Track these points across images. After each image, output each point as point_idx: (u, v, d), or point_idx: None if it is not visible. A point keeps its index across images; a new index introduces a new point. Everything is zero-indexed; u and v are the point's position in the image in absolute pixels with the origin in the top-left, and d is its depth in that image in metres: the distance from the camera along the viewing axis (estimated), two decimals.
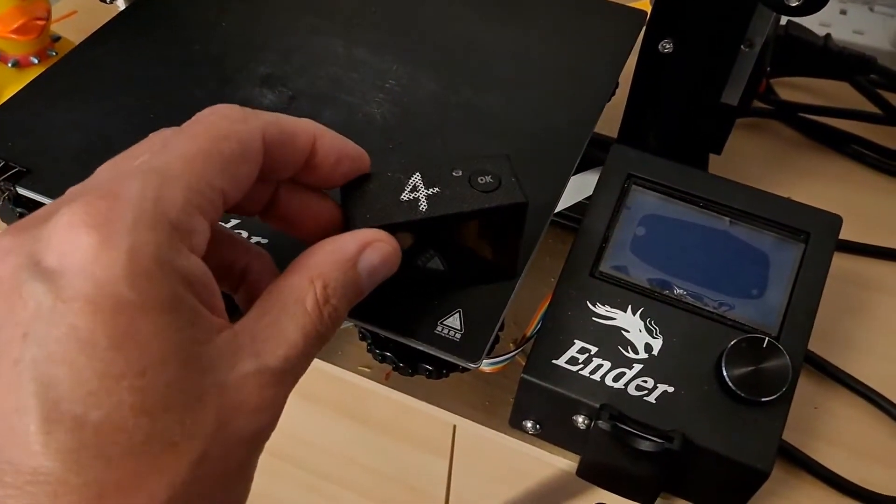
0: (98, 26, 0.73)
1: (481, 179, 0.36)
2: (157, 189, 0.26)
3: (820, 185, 0.64)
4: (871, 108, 0.67)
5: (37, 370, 0.23)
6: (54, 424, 0.22)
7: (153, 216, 0.25)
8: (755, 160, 0.66)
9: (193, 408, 0.24)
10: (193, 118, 0.31)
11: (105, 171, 0.30)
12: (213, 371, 0.25)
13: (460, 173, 0.37)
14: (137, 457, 0.23)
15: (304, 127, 0.33)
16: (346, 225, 0.36)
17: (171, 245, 0.25)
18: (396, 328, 0.38)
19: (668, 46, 0.48)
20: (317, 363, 0.52)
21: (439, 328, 0.38)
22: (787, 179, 0.65)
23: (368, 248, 0.32)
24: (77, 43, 0.67)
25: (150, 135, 0.31)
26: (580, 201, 0.55)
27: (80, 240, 0.24)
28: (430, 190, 0.36)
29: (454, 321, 0.38)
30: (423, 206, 0.36)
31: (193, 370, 0.24)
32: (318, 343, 0.29)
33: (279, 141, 0.31)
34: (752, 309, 0.45)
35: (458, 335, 0.38)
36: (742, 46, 0.48)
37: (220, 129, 0.30)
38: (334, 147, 0.34)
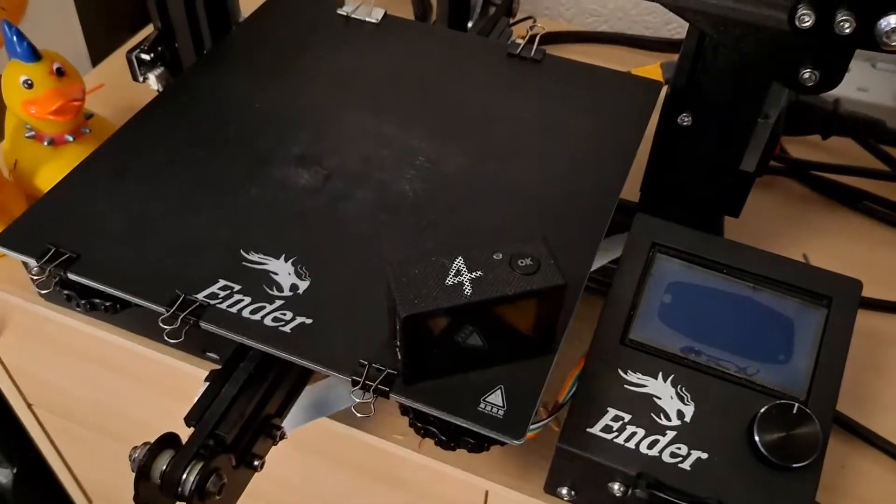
0: (126, 99, 0.76)
1: (521, 262, 0.38)
2: None
3: (834, 241, 0.66)
4: (878, 164, 0.69)
5: None
6: None
7: None
8: (769, 218, 0.68)
9: None
10: None
11: None
12: None
13: (501, 256, 0.38)
14: None
15: None
16: (394, 307, 0.37)
17: None
18: (441, 405, 0.39)
19: (686, 119, 0.50)
20: (351, 431, 0.53)
21: (482, 405, 0.39)
22: (801, 236, 0.67)
23: None
24: (109, 118, 0.70)
25: None
26: (605, 265, 0.57)
27: None
28: (474, 273, 0.38)
29: (496, 398, 0.39)
30: (468, 289, 0.37)
31: None
32: None
33: None
34: (780, 374, 0.47)
35: (500, 412, 0.39)
36: (758, 119, 0.50)
37: None
38: None
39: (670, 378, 0.47)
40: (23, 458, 0.93)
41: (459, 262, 0.38)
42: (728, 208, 0.56)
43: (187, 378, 0.57)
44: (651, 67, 0.72)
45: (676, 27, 0.88)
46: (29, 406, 0.80)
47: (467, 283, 0.37)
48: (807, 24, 0.39)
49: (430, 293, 0.37)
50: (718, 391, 0.46)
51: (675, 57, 0.78)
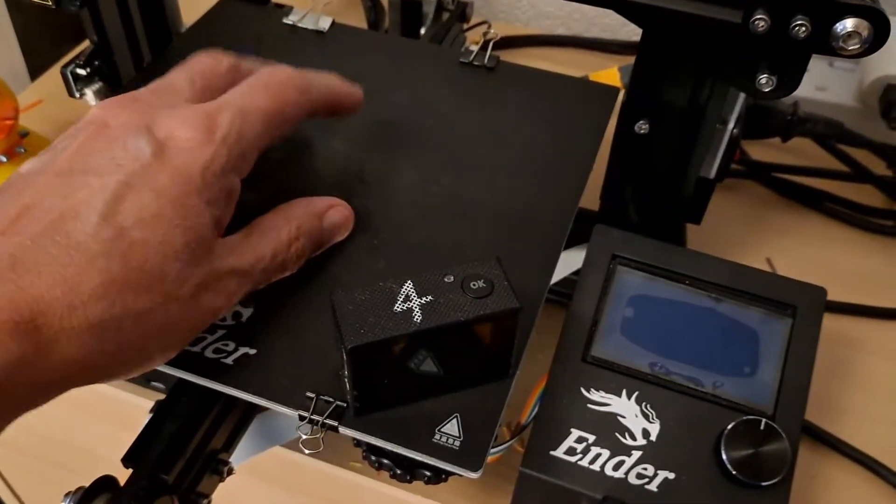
0: (65, 115, 0.72)
1: (474, 285, 0.36)
2: (240, 127, 0.38)
3: (798, 244, 0.65)
4: (838, 164, 0.69)
5: (117, 189, 0.34)
6: (107, 222, 0.33)
7: (234, 143, 0.38)
8: (732, 222, 0.67)
9: (192, 266, 0.35)
10: (266, 71, 0.43)
11: (208, 91, 0.42)
12: (210, 255, 0.36)
13: (452, 279, 0.36)
14: (146, 273, 0.33)
15: (349, 93, 0.46)
16: (338, 340, 0.35)
17: (234, 166, 0.38)
18: (394, 437, 0.37)
19: (644, 127, 0.49)
20: (307, 460, 0.51)
21: (437, 436, 0.37)
22: (764, 239, 0.66)
23: (332, 209, 0.44)
24: (47, 136, 0.66)
25: (216, 60, 0.44)
26: (567, 276, 0.55)
27: (188, 132, 0.36)
28: (423, 299, 0.36)
29: (452, 428, 0.38)
30: (418, 316, 0.35)
31: (203, 247, 0.36)
32: (280, 268, 0.40)
33: (327, 105, 0.45)
34: (746, 387, 0.45)
35: (457, 442, 0.37)
36: (717, 124, 0.49)
37: (289, 97, 0.41)
38: (355, 98, 0.47)
39: (634, 395, 0.45)
40: None
41: (409, 287, 0.36)
42: (689, 215, 0.55)
43: (132, 408, 0.54)
44: (609, 71, 0.71)
45: (634, 29, 0.87)
46: None
47: (417, 310, 0.35)
48: (762, 28, 0.38)
49: (378, 322, 0.35)
50: (684, 407, 0.45)
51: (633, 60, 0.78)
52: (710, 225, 0.63)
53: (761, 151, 0.70)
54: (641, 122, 0.49)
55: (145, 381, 0.51)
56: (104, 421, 0.62)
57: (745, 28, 0.38)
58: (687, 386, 0.45)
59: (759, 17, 0.38)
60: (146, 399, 0.53)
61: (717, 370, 0.46)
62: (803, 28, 0.37)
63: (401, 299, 0.36)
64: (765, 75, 0.41)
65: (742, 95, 0.49)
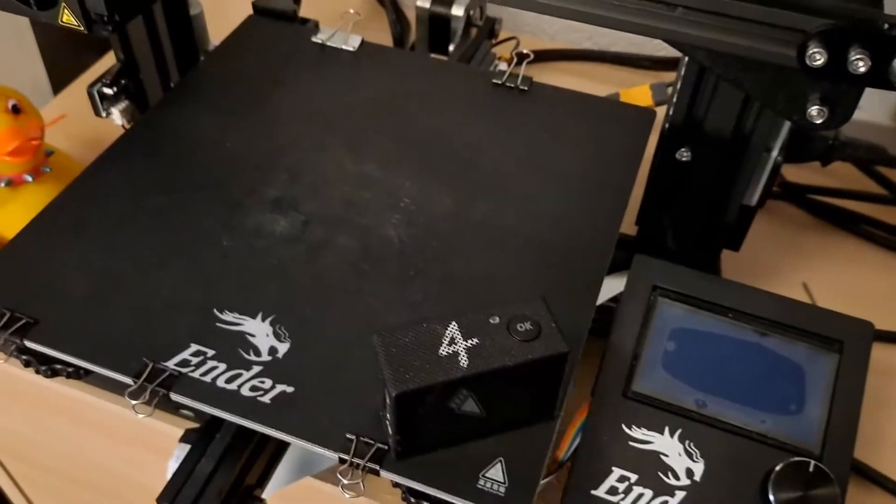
0: (90, 130, 0.72)
1: (520, 327, 0.35)
2: None
3: (834, 267, 0.64)
4: (876, 187, 0.67)
5: None
6: None
7: None
8: (767, 244, 0.65)
9: None
10: None
11: None
12: None
13: (498, 320, 0.35)
14: None
15: None
16: (382, 383, 0.34)
17: None
18: (437, 482, 0.36)
19: (685, 155, 0.48)
20: (337, 491, 0.50)
21: (482, 481, 0.36)
22: (800, 263, 0.64)
23: None
24: (71, 153, 0.66)
25: None
26: (604, 303, 0.54)
27: None
28: (469, 342, 0.35)
29: (496, 473, 0.36)
30: (464, 360, 0.34)
31: None
32: None
33: None
34: (792, 426, 0.44)
35: (501, 488, 0.36)
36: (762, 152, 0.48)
37: None
38: None
39: (677, 433, 0.44)
40: None
41: (453, 329, 0.35)
42: (728, 242, 0.54)
43: (159, 434, 0.53)
44: (640, 89, 0.70)
45: (661, 44, 0.85)
46: None
47: (463, 353, 0.34)
48: (818, 62, 0.37)
49: (423, 365, 0.34)
50: (728, 447, 0.43)
51: (664, 77, 0.76)
52: (744, 248, 0.62)
53: (796, 173, 0.69)
54: (683, 149, 0.48)
55: (174, 408, 0.50)
56: (128, 444, 0.61)
57: (799, 61, 0.37)
58: (732, 424, 0.44)
59: (815, 50, 0.36)
60: (175, 426, 0.52)
61: (762, 407, 0.45)
62: (862, 62, 0.36)
63: (446, 342, 0.35)
64: (816, 107, 0.40)
65: (787, 122, 0.47)
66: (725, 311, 0.47)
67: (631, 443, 0.44)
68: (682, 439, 0.44)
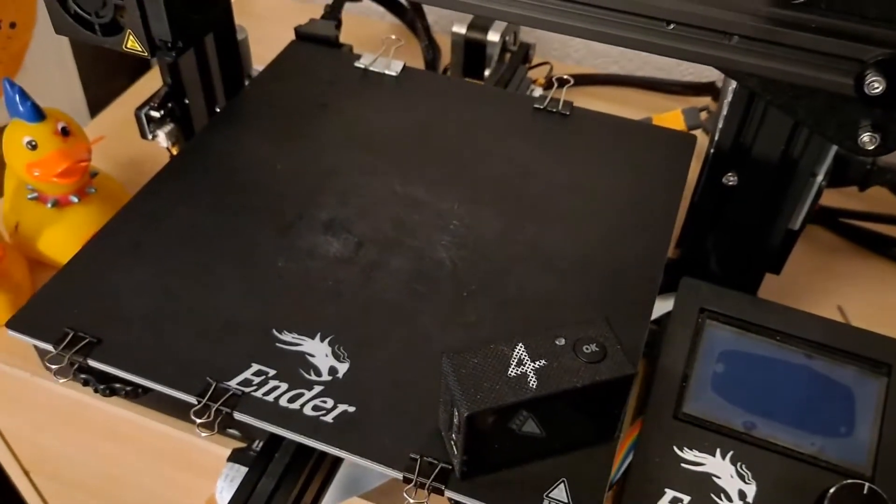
0: (128, 152, 0.73)
1: (586, 349, 0.36)
2: None
3: (867, 290, 0.64)
4: None
5: None
6: None
7: None
8: (801, 267, 0.66)
9: None
10: None
11: None
12: None
13: (563, 342, 0.36)
14: None
15: None
16: (452, 401, 0.34)
17: None
18: (502, 502, 0.37)
19: (732, 179, 0.48)
20: None
21: (546, 502, 0.37)
22: (833, 286, 0.65)
23: None
24: (111, 173, 0.66)
25: None
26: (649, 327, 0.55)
27: None
28: (537, 363, 0.35)
29: (560, 493, 0.37)
30: (533, 381, 0.35)
31: None
32: None
33: None
34: (843, 448, 0.44)
35: None
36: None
37: None
38: None
39: (729, 455, 0.44)
40: None
41: (521, 350, 0.36)
42: (770, 266, 0.54)
43: (204, 453, 0.54)
44: (672, 114, 0.71)
45: (689, 68, 0.86)
46: (26, 473, 0.76)
47: (531, 374, 0.35)
48: (877, 90, 0.37)
49: (493, 386, 0.34)
50: (780, 469, 0.44)
51: (693, 101, 0.77)
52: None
53: (829, 197, 0.70)
54: (730, 174, 0.48)
55: (221, 427, 0.51)
56: (166, 463, 0.61)
57: (857, 89, 0.38)
58: (782, 446, 0.44)
59: (874, 79, 0.37)
60: (220, 446, 0.52)
61: (812, 430, 0.45)
62: None
63: (514, 363, 0.35)
64: (868, 133, 0.41)
65: (833, 147, 0.48)
66: (773, 334, 0.48)
67: (683, 465, 0.44)
68: (733, 461, 0.44)
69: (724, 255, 0.53)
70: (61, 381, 0.42)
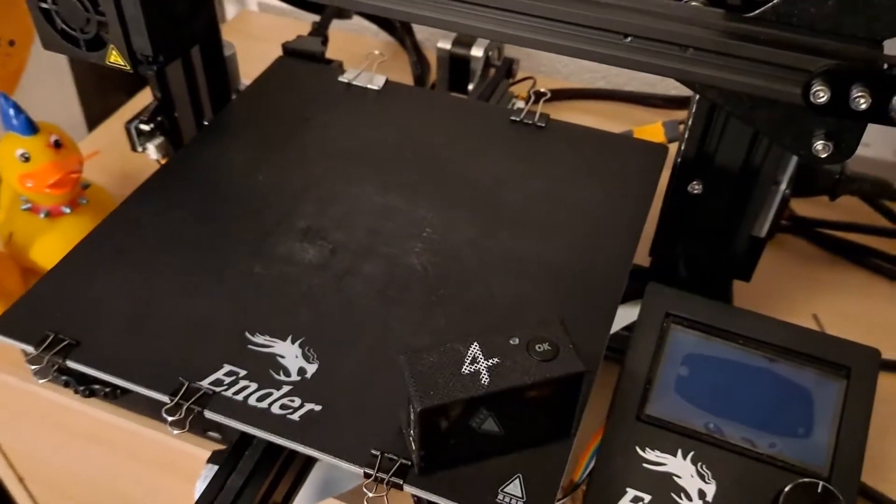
0: (123, 166, 0.75)
1: (539, 347, 0.37)
2: None
3: (843, 299, 0.65)
4: (884, 221, 0.69)
5: None
6: None
7: None
8: (777, 277, 0.67)
9: None
10: None
11: None
12: None
13: (518, 341, 0.37)
14: None
15: None
16: (408, 400, 0.36)
17: None
18: (458, 497, 0.38)
19: (697, 188, 0.50)
20: None
21: (501, 496, 0.38)
22: (810, 295, 0.66)
23: None
24: (105, 186, 0.69)
25: None
26: (618, 332, 0.56)
27: None
28: (490, 361, 0.37)
29: (515, 488, 0.38)
30: (485, 378, 0.36)
31: None
32: None
33: None
34: (801, 448, 0.45)
35: (520, 503, 0.37)
36: (770, 185, 0.50)
37: None
38: None
39: (690, 455, 0.45)
40: None
41: (475, 349, 0.37)
42: (739, 273, 0.56)
43: (186, 457, 0.55)
44: (653, 126, 0.72)
45: (673, 83, 0.88)
46: (20, 480, 0.78)
47: (484, 372, 0.36)
48: (822, 99, 0.39)
49: (447, 383, 0.36)
50: (739, 468, 0.45)
51: (677, 115, 0.79)
52: (755, 280, 0.63)
53: (806, 207, 0.71)
54: (695, 182, 0.50)
55: (202, 430, 0.52)
56: (153, 469, 0.63)
57: (804, 98, 0.39)
58: (742, 446, 0.45)
59: (818, 88, 0.38)
60: (202, 448, 0.53)
61: (772, 431, 0.46)
62: (863, 99, 0.38)
63: (468, 361, 0.36)
64: (821, 142, 0.42)
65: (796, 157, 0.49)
66: (736, 338, 0.49)
67: (644, 465, 0.45)
68: (694, 461, 0.45)
69: (692, 261, 0.54)
70: (41, 381, 0.43)
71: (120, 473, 0.67)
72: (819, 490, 0.43)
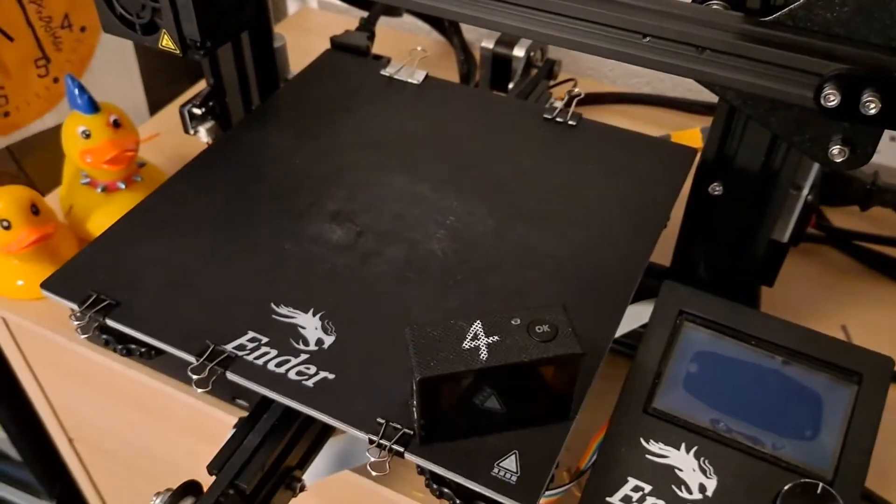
0: (179, 148, 0.79)
1: (539, 329, 0.38)
2: None
3: (875, 313, 0.64)
4: None
5: None
6: None
7: None
8: (807, 286, 0.67)
9: None
10: None
11: None
12: None
13: (519, 322, 0.39)
14: None
15: None
16: (412, 371, 0.38)
17: None
18: (454, 467, 0.40)
19: (717, 189, 0.50)
20: (373, 486, 0.54)
21: (496, 470, 0.39)
22: (841, 307, 0.65)
23: None
24: (161, 167, 0.73)
25: None
26: (635, 329, 0.57)
27: None
28: (490, 338, 0.38)
29: (510, 463, 0.40)
30: (484, 354, 0.38)
31: None
32: None
33: None
34: (806, 451, 0.46)
35: (513, 477, 0.39)
36: (790, 190, 0.50)
37: None
38: None
39: (693, 450, 0.46)
40: (62, 491, 0.96)
41: (477, 327, 0.39)
42: (762, 277, 0.56)
43: (217, 423, 0.58)
44: (691, 132, 0.73)
45: None
46: (70, 441, 0.83)
47: (483, 348, 0.38)
48: (832, 103, 0.39)
49: (447, 356, 0.37)
50: (742, 466, 0.45)
51: None
52: (786, 288, 0.63)
53: (843, 219, 0.70)
54: (715, 183, 0.51)
55: (231, 398, 0.55)
56: (188, 434, 0.66)
57: (815, 101, 0.40)
58: (746, 445, 0.46)
59: (829, 91, 0.39)
60: (230, 415, 0.57)
61: (778, 431, 0.46)
62: (873, 104, 0.38)
63: (469, 337, 0.38)
64: (837, 146, 0.42)
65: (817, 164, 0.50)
66: (749, 339, 0.49)
67: (647, 456, 0.46)
68: (697, 456, 0.46)
69: (712, 263, 0.55)
70: (82, 336, 0.47)
71: (157, 435, 0.70)
72: (818, 491, 0.43)
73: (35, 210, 0.61)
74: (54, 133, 0.65)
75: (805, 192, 0.51)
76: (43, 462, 0.93)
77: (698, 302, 0.51)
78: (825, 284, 0.67)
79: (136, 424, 0.71)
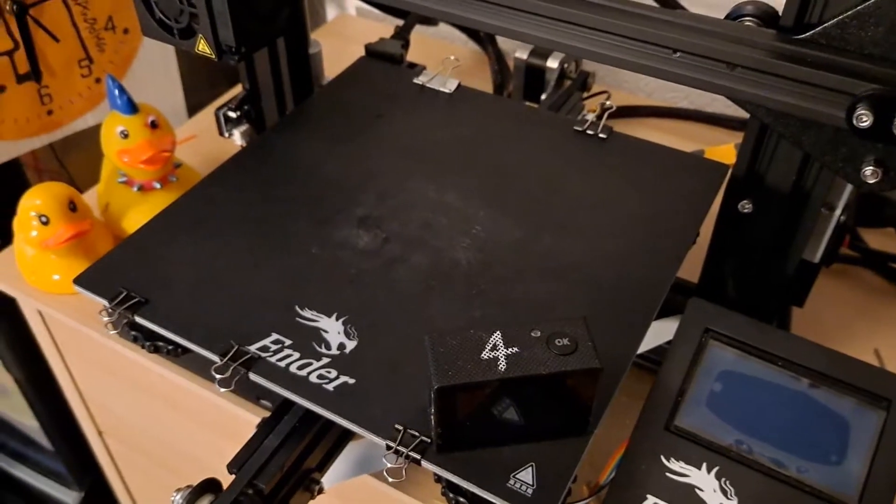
0: (215, 151, 0.80)
1: (559, 342, 0.38)
2: None
3: None
4: None
5: None
6: None
7: None
8: (840, 308, 0.65)
9: None
10: None
11: None
12: None
13: (539, 334, 0.39)
14: None
15: None
16: (431, 377, 0.38)
17: None
18: (470, 476, 0.40)
19: (747, 207, 0.50)
20: (391, 491, 0.54)
21: (512, 481, 0.39)
22: (874, 329, 0.64)
23: None
24: (196, 168, 0.74)
25: None
26: (660, 345, 0.56)
27: None
28: (510, 349, 0.38)
29: (527, 475, 0.40)
30: (502, 365, 0.38)
31: None
32: None
33: None
34: (831, 475, 0.45)
35: (529, 490, 0.39)
36: (822, 209, 0.49)
37: None
38: None
39: (715, 470, 0.45)
40: (91, 484, 0.98)
41: (497, 337, 0.39)
42: (792, 297, 0.55)
43: (242, 422, 0.59)
44: (725, 148, 0.72)
45: None
46: (100, 434, 0.84)
47: (502, 359, 0.38)
48: (865, 123, 0.39)
49: (465, 366, 0.38)
50: (764, 488, 0.45)
51: None
52: (818, 309, 0.62)
53: (879, 240, 0.69)
54: (745, 201, 0.50)
55: (255, 398, 0.56)
56: (213, 431, 0.67)
57: (847, 122, 0.39)
58: (769, 467, 0.45)
59: (861, 111, 0.39)
60: (254, 415, 0.57)
61: (803, 455, 0.46)
62: None
63: (488, 348, 0.38)
64: (870, 167, 0.42)
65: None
66: (775, 359, 0.49)
67: (668, 474, 0.46)
68: (718, 476, 0.45)
69: (741, 281, 0.54)
70: (112, 332, 0.48)
71: (183, 432, 0.71)
72: None
73: (73, 207, 0.62)
74: (95, 132, 0.66)
75: (838, 212, 0.50)
76: (74, 453, 0.95)
77: (724, 320, 0.50)
78: (859, 306, 0.66)
79: (163, 420, 0.72)
